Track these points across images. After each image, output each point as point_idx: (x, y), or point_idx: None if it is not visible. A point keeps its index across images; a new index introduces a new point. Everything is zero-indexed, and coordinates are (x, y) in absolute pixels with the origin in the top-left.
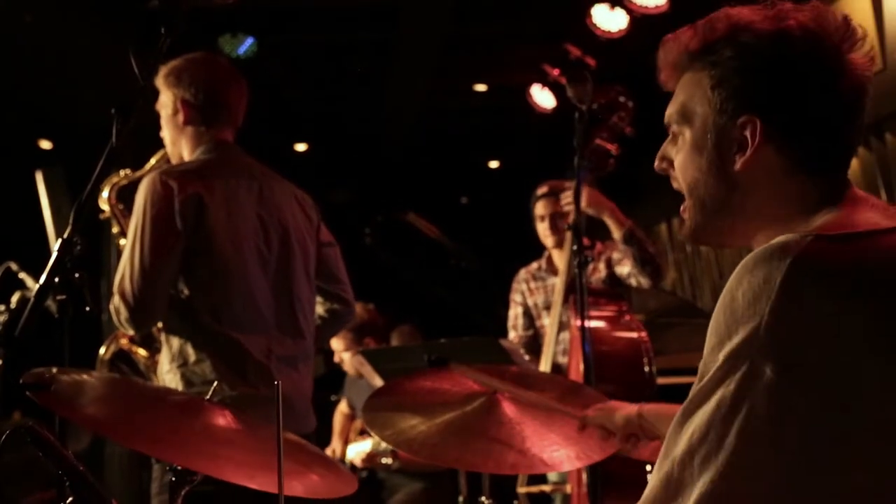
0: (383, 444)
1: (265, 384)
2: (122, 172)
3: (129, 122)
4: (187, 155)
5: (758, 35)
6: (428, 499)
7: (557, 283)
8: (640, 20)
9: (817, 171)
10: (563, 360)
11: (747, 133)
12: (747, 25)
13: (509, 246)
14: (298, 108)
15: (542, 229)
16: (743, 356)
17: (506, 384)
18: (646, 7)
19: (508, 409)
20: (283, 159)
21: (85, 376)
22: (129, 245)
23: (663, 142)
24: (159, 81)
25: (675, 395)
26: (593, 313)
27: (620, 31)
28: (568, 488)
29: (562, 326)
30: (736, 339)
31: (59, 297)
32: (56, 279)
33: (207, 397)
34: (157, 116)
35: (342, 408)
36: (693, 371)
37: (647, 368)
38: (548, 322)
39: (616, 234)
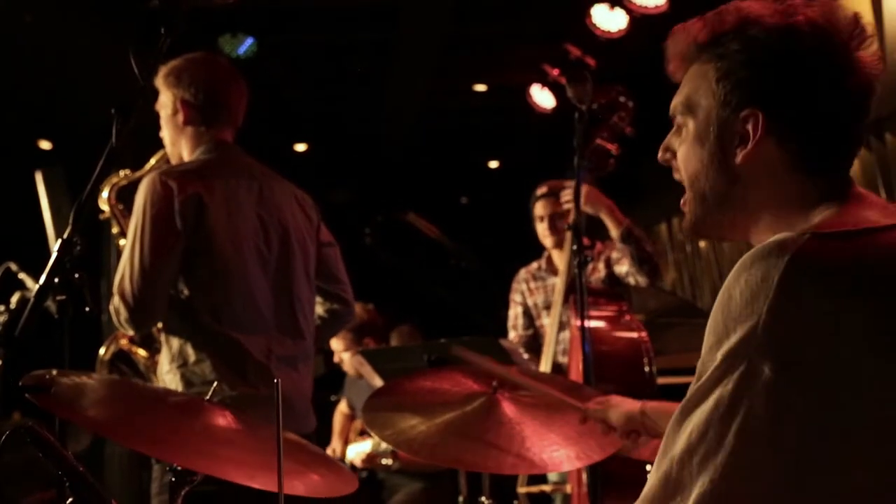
0: (383, 445)
1: (265, 384)
2: (121, 173)
3: (129, 122)
4: (187, 155)
5: (766, 29)
6: (428, 499)
7: (558, 283)
8: (640, 20)
9: (819, 168)
10: (563, 359)
11: (749, 126)
12: (756, 19)
13: (509, 246)
14: (298, 108)
15: (542, 230)
16: (741, 355)
17: (507, 371)
18: (645, 7)
19: (508, 409)
20: (283, 159)
21: (85, 378)
22: (128, 245)
23: (658, 151)
24: (159, 81)
25: (675, 394)
26: (593, 313)
27: (620, 31)
28: (568, 488)
29: (562, 326)
30: (734, 338)
31: (58, 298)
32: (56, 279)
33: (207, 398)
34: (157, 116)
35: (342, 408)
36: (693, 371)
37: (647, 368)
38: (548, 322)
39: (614, 232)
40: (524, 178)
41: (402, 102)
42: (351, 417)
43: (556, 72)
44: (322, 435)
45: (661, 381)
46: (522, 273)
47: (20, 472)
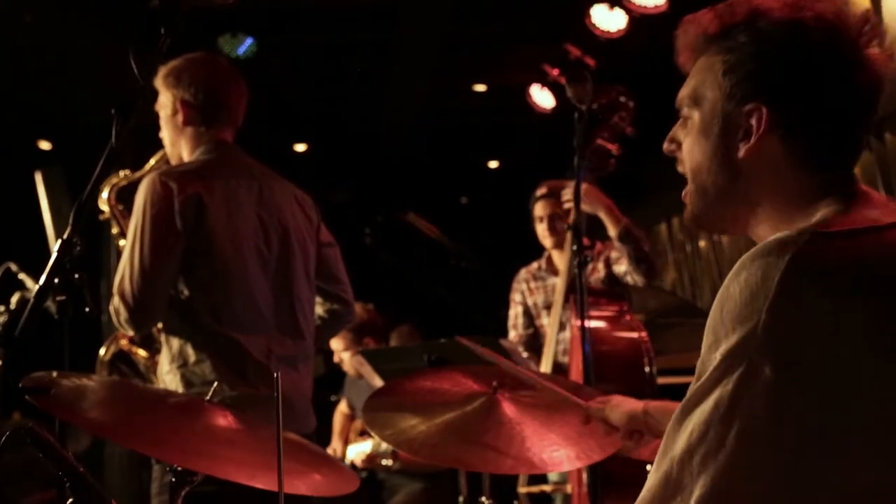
0: (383, 445)
1: (265, 384)
2: (121, 173)
3: (128, 122)
4: (187, 155)
5: (775, 22)
6: (428, 499)
7: (558, 283)
8: (640, 20)
9: (824, 165)
10: (563, 359)
11: (753, 121)
12: (766, 12)
13: (509, 246)
14: (298, 108)
15: (541, 230)
16: (741, 355)
17: (510, 364)
18: (645, 7)
19: (508, 409)
20: (283, 159)
21: (85, 380)
22: (128, 245)
23: (664, 142)
24: (159, 82)
25: (676, 394)
26: (593, 313)
27: (620, 31)
28: (568, 488)
29: (562, 326)
30: (734, 338)
31: (58, 298)
32: (56, 280)
33: (207, 398)
34: (156, 116)
35: (342, 408)
36: (693, 371)
37: (647, 368)
38: (548, 322)
39: (612, 231)
40: (524, 178)
41: (402, 102)
42: (351, 417)
43: (556, 72)
44: (322, 435)
45: (661, 381)
46: (523, 273)
47: (20, 472)
